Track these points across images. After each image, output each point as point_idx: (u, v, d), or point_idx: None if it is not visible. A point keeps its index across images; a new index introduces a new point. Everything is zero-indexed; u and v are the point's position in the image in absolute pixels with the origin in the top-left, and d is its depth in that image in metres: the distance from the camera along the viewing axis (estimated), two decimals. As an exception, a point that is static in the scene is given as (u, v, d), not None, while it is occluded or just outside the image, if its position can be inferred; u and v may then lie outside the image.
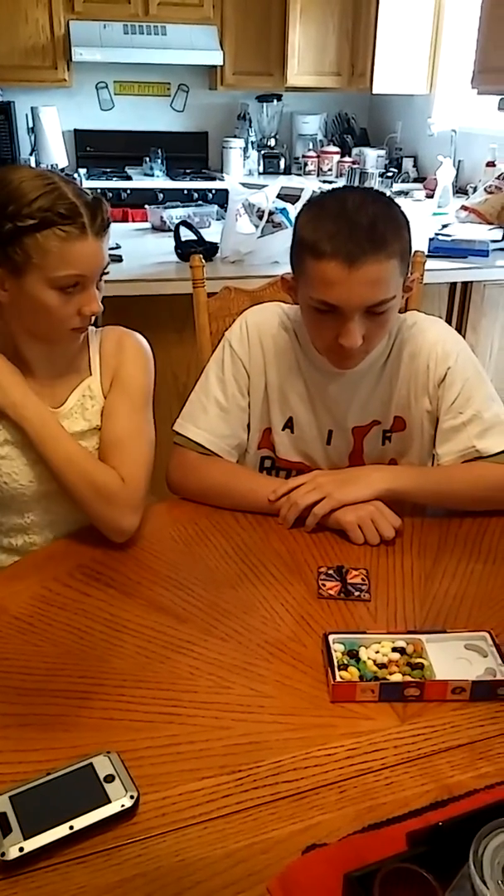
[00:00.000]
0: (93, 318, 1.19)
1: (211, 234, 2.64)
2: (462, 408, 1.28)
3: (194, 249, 2.37)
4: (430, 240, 2.65)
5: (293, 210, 2.46)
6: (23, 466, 1.21)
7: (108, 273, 1.17)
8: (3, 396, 1.17)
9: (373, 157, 4.58)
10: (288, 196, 2.53)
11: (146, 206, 3.24)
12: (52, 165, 4.24)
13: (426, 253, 1.75)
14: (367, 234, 1.11)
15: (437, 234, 2.73)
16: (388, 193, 1.23)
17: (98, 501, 1.17)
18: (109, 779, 0.75)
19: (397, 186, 4.22)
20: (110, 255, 1.18)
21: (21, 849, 0.69)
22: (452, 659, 0.93)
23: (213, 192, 4.28)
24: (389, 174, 4.40)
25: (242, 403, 1.35)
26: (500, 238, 2.78)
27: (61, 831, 0.70)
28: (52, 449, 1.18)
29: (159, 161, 4.53)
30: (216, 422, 1.34)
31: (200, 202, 3.83)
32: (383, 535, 1.19)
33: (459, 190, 3.82)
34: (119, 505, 1.17)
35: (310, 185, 2.60)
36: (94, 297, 1.15)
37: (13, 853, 0.68)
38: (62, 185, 1.10)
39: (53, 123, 4.28)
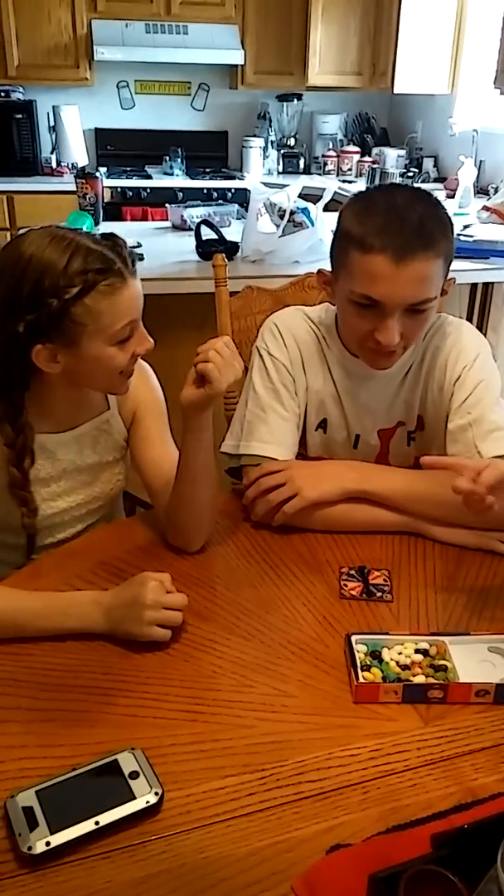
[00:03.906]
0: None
1: (231, 233, 2.64)
2: (470, 408, 1.25)
3: (215, 248, 2.38)
4: (452, 240, 2.64)
5: (314, 210, 2.46)
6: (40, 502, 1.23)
7: None
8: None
9: (393, 157, 4.56)
10: (309, 196, 2.53)
11: (166, 205, 3.24)
12: (72, 164, 4.26)
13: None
14: (417, 232, 1.10)
15: (458, 235, 2.71)
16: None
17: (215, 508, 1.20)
18: (134, 775, 0.76)
19: (417, 186, 4.20)
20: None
21: (48, 843, 0.69)
22: (476, 661, 0.93)
23: (233, 191, 4.28)
24: (410, 174, 4.39)
25: (296, 408, 1.32)
26: (522, 239, 2.76)
27: (87, 826, 0.71)
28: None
29: (179, 160, 4.54)
30: (280, 431, 1.29)
31: (220, 201, 3.83)
32: None
33: (481, 190, 3.80)
34: None
35: (330, 185, 2.60)
36: (146, 335, 1.14)
37: (40, 847, 0.69)
38: (78, 238, 1.05)
39: (74, 122, 4.30)
